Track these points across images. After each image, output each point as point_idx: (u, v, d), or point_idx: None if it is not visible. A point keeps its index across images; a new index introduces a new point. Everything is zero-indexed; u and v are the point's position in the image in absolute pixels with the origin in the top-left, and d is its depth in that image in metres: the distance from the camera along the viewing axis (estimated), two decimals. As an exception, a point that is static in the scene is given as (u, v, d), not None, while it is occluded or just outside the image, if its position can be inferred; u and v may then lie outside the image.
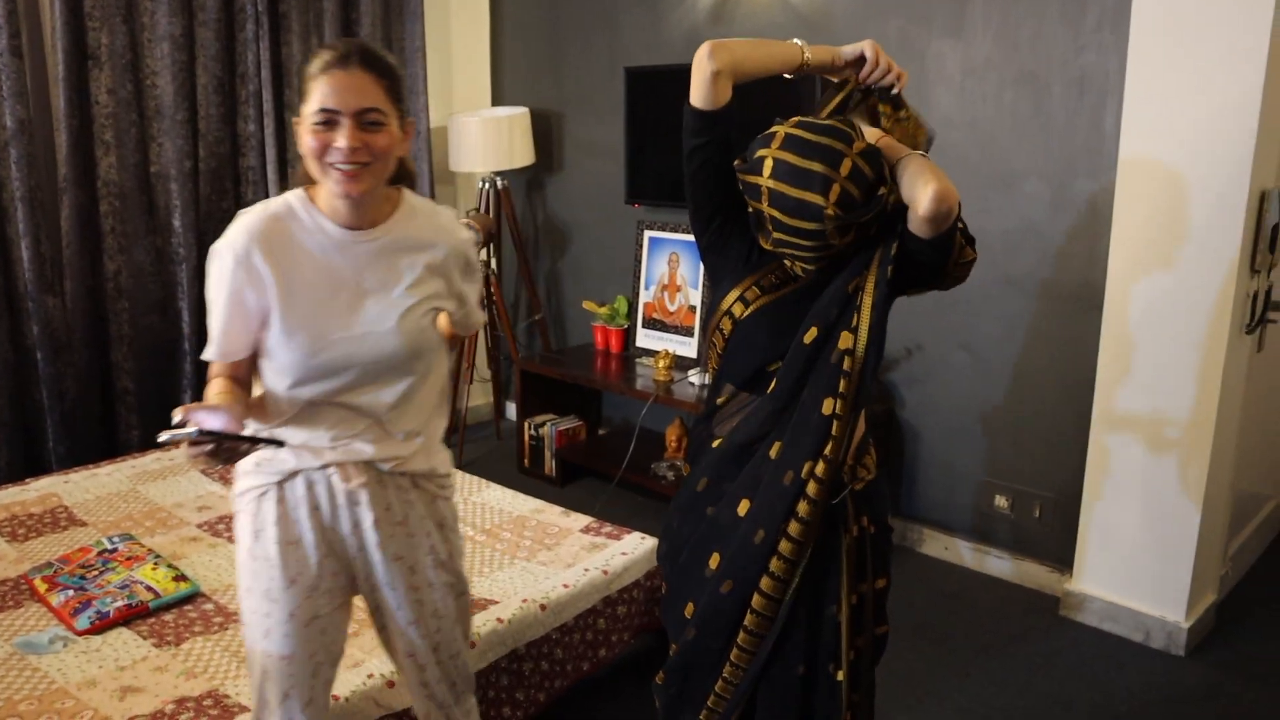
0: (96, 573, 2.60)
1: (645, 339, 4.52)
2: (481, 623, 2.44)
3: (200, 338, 3.87)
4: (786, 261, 1.80)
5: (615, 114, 4.50)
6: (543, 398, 4.63)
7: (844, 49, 1.85)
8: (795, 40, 1.85)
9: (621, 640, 2.77)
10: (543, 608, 2.55)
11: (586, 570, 2.73)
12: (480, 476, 3.49)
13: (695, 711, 1.90)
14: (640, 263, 4.53)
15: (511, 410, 5.24)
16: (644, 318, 4.53)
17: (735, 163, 1.74)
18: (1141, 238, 3.00)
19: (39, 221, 3.67)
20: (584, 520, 3.07)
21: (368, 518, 1.77)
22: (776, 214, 1.67)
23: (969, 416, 3.63)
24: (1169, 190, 2.92)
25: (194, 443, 1.46)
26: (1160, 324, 3.00)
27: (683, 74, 1.75)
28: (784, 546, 1.74)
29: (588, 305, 4.68)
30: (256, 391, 1.75)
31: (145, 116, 3.95)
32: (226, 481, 3.23)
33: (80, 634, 2.37)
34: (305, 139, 1.63)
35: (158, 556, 2.70)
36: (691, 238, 4.29)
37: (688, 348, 4.34)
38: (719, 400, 1.89)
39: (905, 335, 3.69)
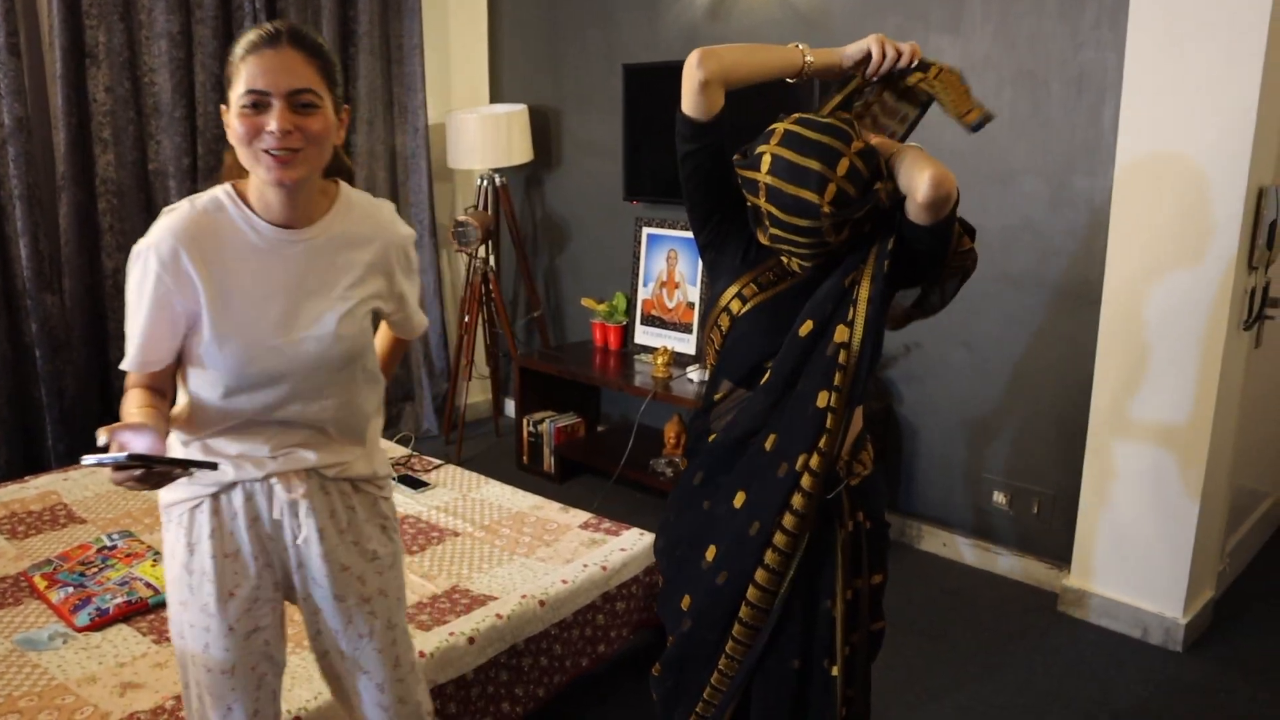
0: (96, 569, 2.60)
1: (644, 336, 4.52)
2: (481, 619, 2.44)
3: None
4: (783, 258, 1.80)
5: (613, 111, 4.50)
6: (541, 394, 4.64)
7: (848, 49, 1.81)
8: (796, 45, 1.80)
9: (620, 636, 2.77)
10: (542, 604, 2.56)
11: (585, 566, 2.73)
12: (479, 473, 3.50)
13: (691, 704, 1.91)
14: (639, 259, 4.53)
15: (510, 407, 5.25)
16: (642, 314, 4.53)
17: (734, 157, 1.74)
18: (1140, 235, 3.01)
19: (37, 219, 3.67)
20: (583, 516, 3.08)
21: (311, 527, 1.68)
22: (774, 210, 1.68)
23: (967, 413, 3.64)
24: (1167, 187, 2.92)
25: (120, 467, 1.35)
26: (1158, 320, 3.01)
27: (680, 71, 1.74)
28: (778, 538, 1.74)
29: (586, 302, 4.68)
30: (182, 400, 1.66)
31: (143, 114, 3.95)
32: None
33: (80, 630, 2.37)
34: (233, 124, 1.52)
35: (157, 553, 2.70)
36: (690, 234, 4.30)
37: (686, 344, 4.34)
38: (716, 396, 1.89)
39: (904, 332, 3.69)
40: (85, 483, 3.27)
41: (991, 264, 3.43)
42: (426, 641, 2.33)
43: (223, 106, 1.58)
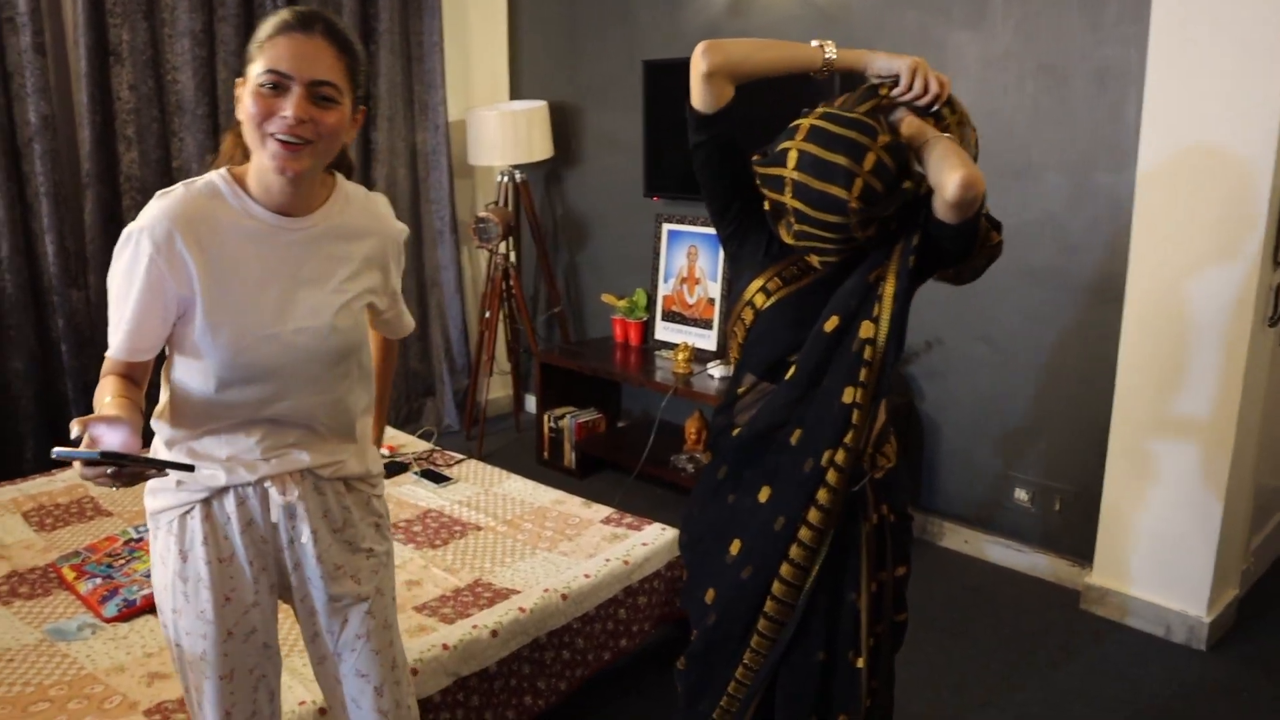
0: (123, 561, 2.63)
1: (664, 332, 4.53)
2: (504, 612, 2.46)
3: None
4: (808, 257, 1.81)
5: (634, 107, 4.51)
6: (562, 390, 4.65)
7: (878, 62, 1.72)
8: (816, 42, 1.74)
9: (642, 630, 2.78)
10: (564, 597, 2.57)
11: (607, 560, 2.74)
12: (500, 468, 3.51)
13: (716, 697, 1.92)
14: (659, 256, 4.54)
15: (531, 403, 5.26)
16: (663, 310, 4.54)
17: (754, 158, 1.74)
18: (1163, 230, 2.99)
19: (63, 216, 3.71)
20: (605, 511, 3.09)
21: (305, 530, 1.64)
22: (800, 206, 1.68)
23: (989, 409, 3.63)
24: (1192, 183, 2.91)
25: (90, 462, 1.28)
26: (1182, 317, 2.99)
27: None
28: (804, 534, 1.75)
29: (607, 298, 4.69)
30: (164, 398, 1.61)
31: (166, 112, 3.99)
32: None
33: (108, 621, 2.40)
34: (246, 102, 1.47)
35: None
36: (710, 230, 4.30)
37: (707, 340, 4.34)
38: (740, 390, 1.89)
39: (924, 328, 3.69)
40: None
41: (1012, 259, 3.40)
42: (450, 634, 2.34)
43: (238, 79, 1.52)
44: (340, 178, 1.67)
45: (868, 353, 1.70)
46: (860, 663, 1.82)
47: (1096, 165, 3.24)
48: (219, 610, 1.61)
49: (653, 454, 4.14)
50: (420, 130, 4.81)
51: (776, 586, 1.78)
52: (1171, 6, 2.86)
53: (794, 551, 1.76)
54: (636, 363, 4.39)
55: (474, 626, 2.39)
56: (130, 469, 1.32)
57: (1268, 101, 2.73)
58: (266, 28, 1.49)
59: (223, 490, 1.60)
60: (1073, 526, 3.47)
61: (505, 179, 4.81)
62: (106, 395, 1.47)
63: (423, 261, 4.97)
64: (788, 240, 1.78)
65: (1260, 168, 2.78)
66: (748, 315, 1.84)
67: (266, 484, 1.61)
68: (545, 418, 4.60)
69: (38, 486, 3.19)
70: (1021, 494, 3.58)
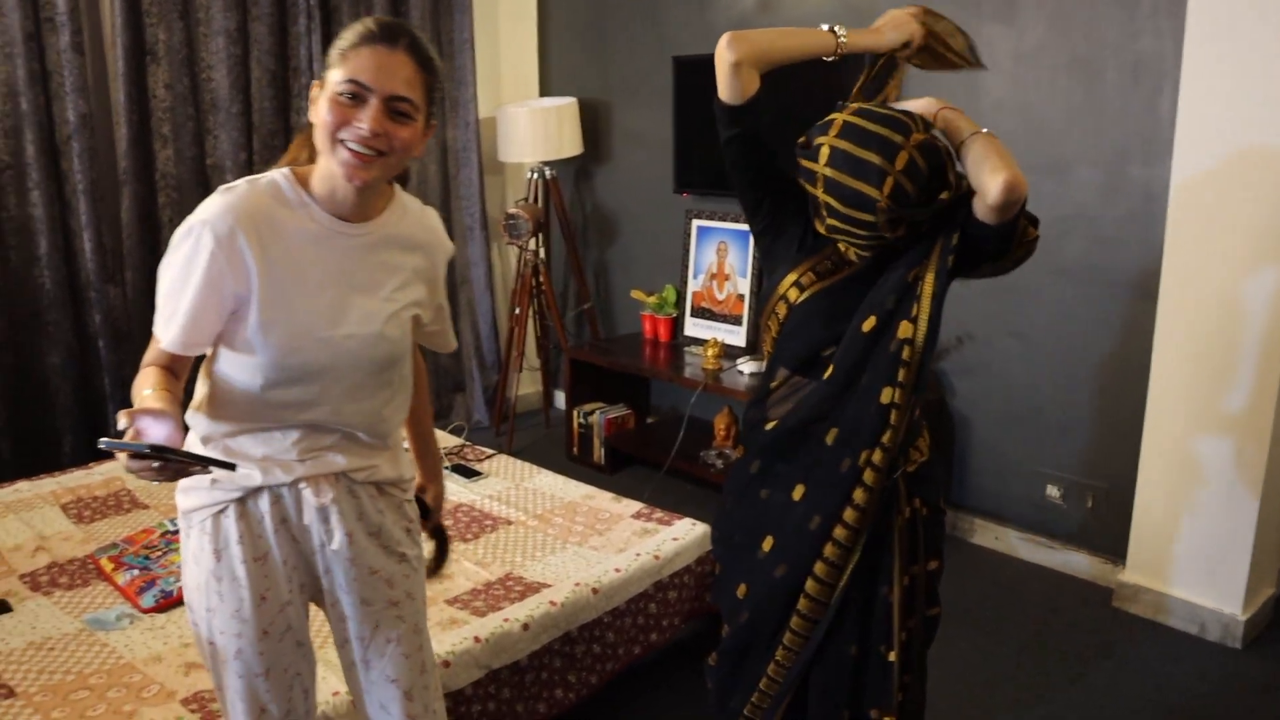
0: (160, 553, 2.67)
1: (694, 328, 4.53)
2: (535, 605, 2.47)
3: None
4: (841, 246, 1.80)
5: (663, 103, 4.51)
6: (591, 386, 4.66)
7: (888, 35, 1.86)
8: (825, 26, 1.84)
9: (672, 625, 2.79)
10: (595, 591, 2.58)
11: (638, 555, 2.75)
12: (530, 463, 3.53)
13: (748, 693, 1.92)
14: (689, 252, 4.54)
15: (560, 399, 5.28)
16: (692, 306, 4.54)
17: (799, 141, 1.75)
18: (1199, 225, 2.96)
19: (100, 213, 3.76)
20: (635, 506, 3.10)
21: (339, 534, 1.63)
22: (832, 201, 1.68)
23: (1020, 405, 3.60)
24: (1228, 177, 2.87)
25: (137, 455, 1.29)
26: (1217, 311, 2.96)
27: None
28: (839, 532, 1.75)
29: (636, 294, 4.70)
30: (201, 391, 1.61)
31: (201, 110, 4.03)
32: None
33: (145, 612, 2.43)
34: (322, 108, 1.47)
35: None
36: (740, 226, 4.30)
37: (736, 336, 4.34)
38: (773, 384, 1.89)
39: (956, 324, 3.67)
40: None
41: (1044, 254, 3.35)
42: (482, 627, 2.36)
43: (315, 82, 1.52)
44: (398, 188, 1.68)
45: (906, 353, 1.69)
46: (892, 656, 1.82)
47: (1130, 160, 3.21)
48: (256, 609, 1.61)
49: (682, 449, 4.15)
50: (451, 127, 4.84)
51: (810, 584, 1.78)
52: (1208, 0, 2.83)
53: (829, 550, 1.76)
54: (666, 359, 4.39)
55: (505, 620, 2.40)
56: (175, 464, 1.32)
57: (1306, 94, 2.70)
58: (350, 36, 1.48)
59: (257, 490, 1.59)
60: (1105, 523, 3.44)
61: (535, 175, 4.83)
62: (147, 387, 1.46)
63: (453, 258, 4.99)
64: (822, 231, 1.78)
65: (1298, 161, 2.75)
66: (781, 310, 1.84)
67: (301, 485, 1.61)
68: (575, 413, 4.62)
69: (76, 480, 3.24)
70: (1053, 490, 3.56)
